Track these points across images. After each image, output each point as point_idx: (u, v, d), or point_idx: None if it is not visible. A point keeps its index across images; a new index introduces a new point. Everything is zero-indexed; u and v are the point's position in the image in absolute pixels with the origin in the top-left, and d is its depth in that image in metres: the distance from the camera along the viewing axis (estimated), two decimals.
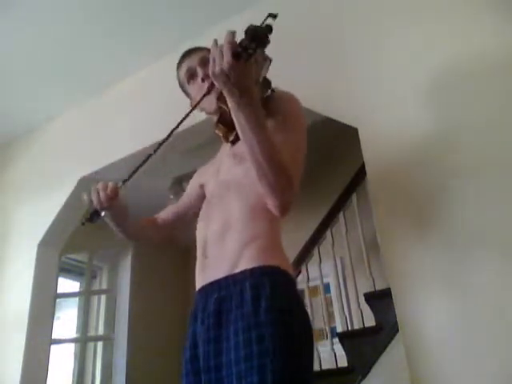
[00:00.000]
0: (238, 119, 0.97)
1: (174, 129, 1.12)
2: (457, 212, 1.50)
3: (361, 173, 2.70)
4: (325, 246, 3.01)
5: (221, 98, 1.06)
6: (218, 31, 2.27)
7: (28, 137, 3.01)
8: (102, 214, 1.18)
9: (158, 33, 2.41)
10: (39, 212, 2.68)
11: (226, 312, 1.03)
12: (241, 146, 1.16)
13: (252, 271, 1.04)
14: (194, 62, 1.32)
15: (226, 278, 1.07)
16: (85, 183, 2.61)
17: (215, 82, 0.93)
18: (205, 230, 1.18)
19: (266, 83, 1.17)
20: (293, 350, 0.96)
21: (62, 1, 2.18)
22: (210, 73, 0.91)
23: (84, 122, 2.78)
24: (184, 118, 1.11)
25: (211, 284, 1.09)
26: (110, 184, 1.17)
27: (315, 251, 3.01)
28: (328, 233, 2.99)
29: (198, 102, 1.17)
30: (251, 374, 0.91)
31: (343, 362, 2.63)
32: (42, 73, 2.58)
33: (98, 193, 1.16)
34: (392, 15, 1.86)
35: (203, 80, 1.28)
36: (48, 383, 2.52)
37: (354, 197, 2.91)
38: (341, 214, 2.95)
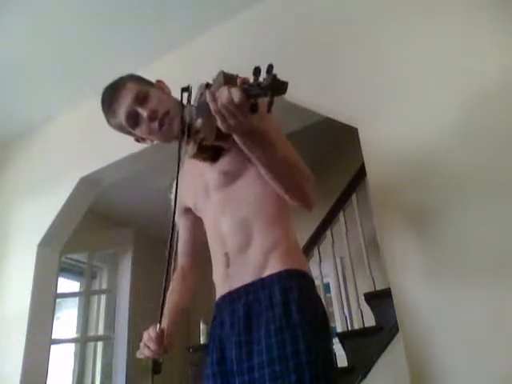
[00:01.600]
0: (250, 152, 1.00)
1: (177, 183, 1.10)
2: (457, 212, 1.50)
3: (361, 173, 2.70)
4: (325, 246, 3.01)
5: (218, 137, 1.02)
6: (219, 30, 2.30)
7: (28, 137, 3.01)
8: (161, 360, 1.19)
9: (158, 32, 2.40)
10: (39, 212, 2.68)
11: (256, 315, 1.06)
12: (226, 163, 1.17)
13: (279, 275, 1.08)
14: (127, 105, 1.23)
15: (253, 283, 1.09)
16: (85, 183, 2.61)
17: (230, 132, 0.92)
18: (222, 248, 1.17)
19: None
20: (322, 348, 1.02)
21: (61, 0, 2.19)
22: (224, 127, 0.90)
23: (84, 122, 2.77)
24: (178, 173, 1.09)
25: (237, 290, 1.11)
26: (153, 334, 1.14)
27: (315, 251, 3.02)
28: (328, 232, 3.00)
29: (179, 152, 1.10)
30: (288, 373, 0.96)
31: (343, 362, 2.63)
32: (42, 73, 2.57)
33: (148, 347, 1.15)
34: (392, 15, 1.86)
35: (151, 119, 1.21)
36: (48, 383, 2.52)
37: (353, 197, 2.91)
38: (341, 214, 2.96)
